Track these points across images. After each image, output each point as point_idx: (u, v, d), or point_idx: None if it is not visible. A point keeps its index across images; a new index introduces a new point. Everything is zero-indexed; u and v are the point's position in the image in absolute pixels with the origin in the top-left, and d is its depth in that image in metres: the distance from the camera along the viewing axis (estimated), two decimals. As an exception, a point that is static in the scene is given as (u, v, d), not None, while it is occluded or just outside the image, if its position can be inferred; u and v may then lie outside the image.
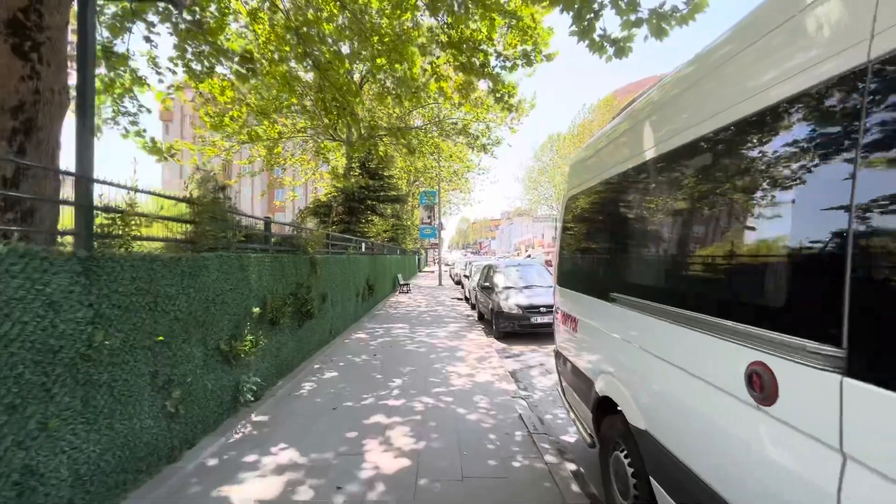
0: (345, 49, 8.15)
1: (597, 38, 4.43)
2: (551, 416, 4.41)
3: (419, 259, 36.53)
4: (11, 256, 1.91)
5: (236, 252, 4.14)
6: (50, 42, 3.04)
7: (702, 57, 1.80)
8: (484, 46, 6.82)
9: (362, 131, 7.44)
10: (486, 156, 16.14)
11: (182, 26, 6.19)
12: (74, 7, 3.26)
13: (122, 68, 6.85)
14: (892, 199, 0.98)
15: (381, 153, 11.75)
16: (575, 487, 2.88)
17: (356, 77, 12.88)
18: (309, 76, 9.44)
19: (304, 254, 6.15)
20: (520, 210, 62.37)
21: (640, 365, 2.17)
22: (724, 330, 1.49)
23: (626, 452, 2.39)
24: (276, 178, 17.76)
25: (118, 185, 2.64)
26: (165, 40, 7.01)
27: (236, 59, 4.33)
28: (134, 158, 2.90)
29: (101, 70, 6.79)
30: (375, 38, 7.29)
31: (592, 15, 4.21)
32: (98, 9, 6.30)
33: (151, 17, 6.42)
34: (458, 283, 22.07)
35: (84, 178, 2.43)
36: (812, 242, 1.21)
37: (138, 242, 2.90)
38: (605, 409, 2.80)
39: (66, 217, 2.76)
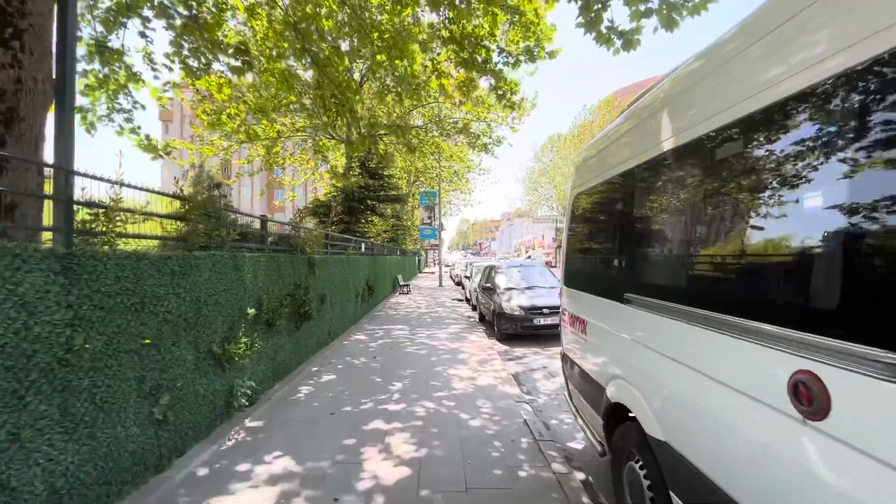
0: (344, 47, 8.02)
1: (604, 30, 4.29)
2: (557, 422, 4.26)
3: (419, 260, 36.39)
4: (-21, 253, 1.76)
5: (231, 251, 3.99)
6: (33, 29, 2.89)
7: (744, 27, 1.63)
8: (486, 43, 6.69)
9: (362, 129, 7.30)
10: (487, 156, 16.02)
11: (178, 22, 6.06)
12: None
13: (117, 64, 6.72)
14: None
15: (380, 151, 11.61)
16: (585, 499, 2.73)
17: (356, 76, 12.75)
18: (308, 74, 9.31)
19: (302, 254, 6.00)
20: (520, 211, 62.27)
21: (658, 371, 2.02)
22: (762, 335, 1.34)
23: (641, 463, 2.24)
24: (275, 178, 17.61)
25: (101, 179, 2.49)
26: (161, 36, 6.87)
27: (230, 50, 4.18)
28: (119, 151, 2.73)
29: (94, 66, 6.66)
30: (375, 35, 7.15)
31: (600, 5, 4.07)
32: (92, 2, 6.17)
33: (147, 12, 6.29)
34: (459, 283, 21.92)
35: (63, 170, 2.28)
36: (874, 233, 1.06)
37: (124, 240, 2.75)
38: (617, 416, 2.65)
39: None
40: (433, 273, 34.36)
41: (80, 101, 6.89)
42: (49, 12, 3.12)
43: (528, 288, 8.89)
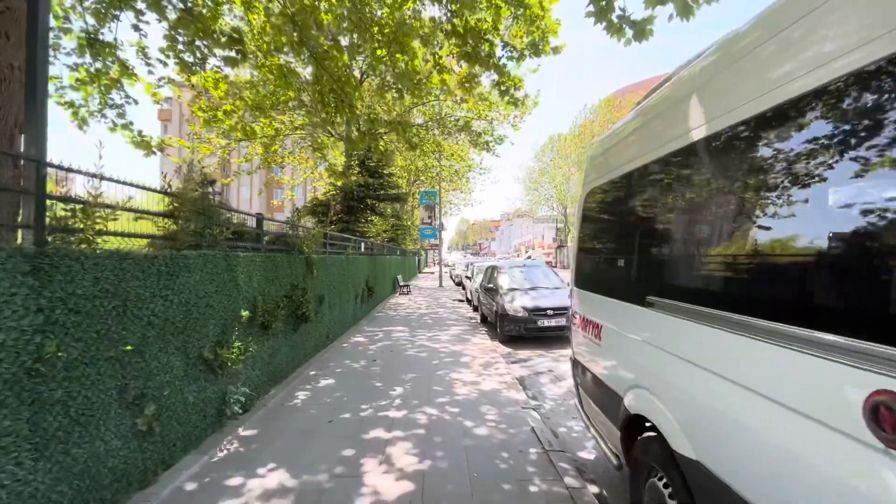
0: (344, 42, 7.83)
1: (615, 20, 4.09)
2: (565, 429, 4.06)
3: (419, 260, 36.20)
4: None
5: (223, 250, 3.79)
6: (9, 12, 2.70)
7: None
8: (489, 37, 6.51)
9: (361, 126, 7.11)
10: (489, 154, 15.82)
11: (173, 16, 5.86)
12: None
13: (110, 59, 6.53)
14: None
15: (381, 149, 11.40)
16: (602, 517, 2.53)
17: (356, 73, 12.55)
18: (307, 72, 9.11)
19: (300, 253, 5.81)
20: (520, 211, 62.11)
21: (688, 383, 1.82)
22: (830, 348, 1.15)
23: (665, 481, 2.05)
24: (273, 178, 17.39)
25: (76, 171, 2.29)
26: (156, 30, 6.69)
27: (223, 39, 3.98)
28: (99, 141, 2.54)
29: (86, 60, 6.47)
30: (375, 29, 6.97)
31: (611, -7, 3.87)
32: (82, -7, 5.97)
33: (140, 4, 6.09)
34: (459, 284, 21.73)
35: (34, 162, 2.09)
36: None
37: (106, 239, 2.55)
38: (636, 428, 2.47)
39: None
40: (433, 273, 34.17)
41: (70, 95, 6.70)
42: (28, -5, 2.92)
43: (532, 289, 8.70)
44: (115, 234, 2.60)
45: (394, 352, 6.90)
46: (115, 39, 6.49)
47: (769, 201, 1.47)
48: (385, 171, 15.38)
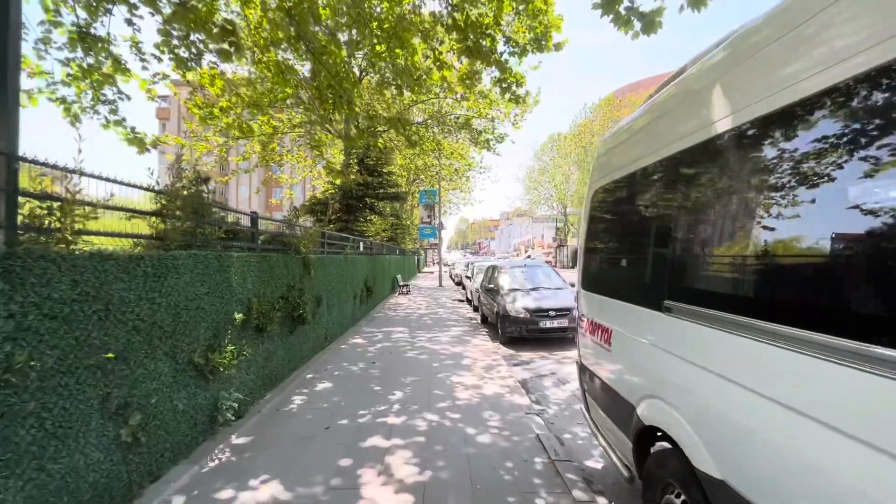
0: (342, 39, 7.68)
1: (622, 12, 3.95)
2: (570, 436, 3.92)
3: (418, 259, 36.04)
4: None
5: (216, 250, 3.64)
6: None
7: None
8: (491, 32, 6.36)
9: (360, 122, 6.96)
10: (489, 153, 15.67)
11: (168, 10, 5.70)
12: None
13: (103, 54, 6.37)
14: None
15: (379, 145, 11.23)
16: (613, 534, 2.39)
17: (355, 71, 12.38)
18: (305, 69, 8.96)
19: (297, 253, 5.66)
20: (519, 210, 61.97)
21: (712, 396, 1.68)
22: (881, 362, 1.01)
23: (684, 499, 1.91)
24: (272, 176, 17.21)
25: (53, 167, 2.14)
26: (150, 24, 6.52)
27: (215, 30, 3.83)
28: (78, 134, 2.39)
29: (77, 55, 6.31)
30: (375, 24, 6.82)
31: (620, -17, 3.72)
32: (73, -15, 5.81)
33: (133, -1, 5.93)
34: (459, 284, 21.59)
35: (3, 155, 1.94)
36: None
37: (87, 238, 2.40)
38: (650, 439, 2.33)
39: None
40: (433, 273, 34.02)
41: (63, 91, 6.55)
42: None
43: (533, 289, 8.56)
44: (97, 233, 2.45)
45: (393, 354, 6.76)
46: (108, 34, 6.34)
47: (814, 199, 1.32)
48: (384, 170, 15.23)
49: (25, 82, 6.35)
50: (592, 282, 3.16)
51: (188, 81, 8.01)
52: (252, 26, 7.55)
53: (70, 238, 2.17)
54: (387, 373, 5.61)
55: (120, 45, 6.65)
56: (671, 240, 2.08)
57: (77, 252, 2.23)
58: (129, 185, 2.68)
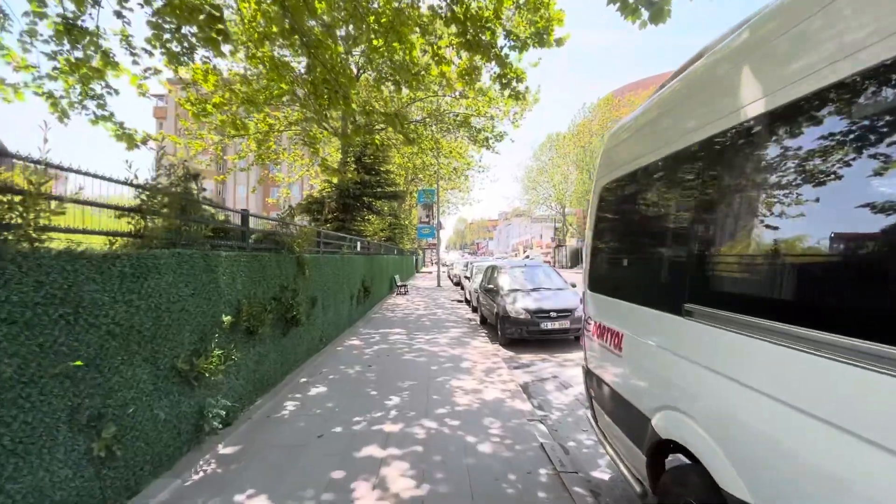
0: (339, 34, 7.51)
1: (630, 0, 3.78)
2: (575, 444, 3.74)
3: (417, 259, 35.84)
4: None
5: (202, 249, 3.45)
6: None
7: None
8: (491, 25, 6.19)
9: (357, 118, 6.78)
10: (488, 152, 15.50)
11: (158, 2, 5.51)
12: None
13: (91, 48, 6.18)
14: None
15: (377, 141, 11.03)
16: (626, 555, 2.22)
17: (352, 68, 12.19)
18: (301, 67, 8.78)
19: (290, 252, 5.47)
20: (518, 210, 61.89)
21: (742, 409, 1.51)
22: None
23: (706, 520, 1.73)
24: (268, 175, 16.98)
25: (14, 156, 1.95)
26: (140, 18, 6.33)
27: (202, 17, 3.64)
28: (44, 122, 2.20)
29: (64, 47, 6.11)
30: (372, 18, 6.64)
31: (628, -30, 3.55)
32: (58, -24, 5.60)
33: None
34: (458, 284, 21.42)
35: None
36: None
37: (56, 235, 2.21)
38: (665, 452, 2.15)
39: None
40: (431, 273, 33.83)
41: (50, 86, 6.35)
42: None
43: (534, 290, 8.38)
44: (66, 230, 2.26)
45: (390, 356, 6.57)
46: (97, 27, 6.15)
47: (862, 187, 1.15)
48: (382, 169, 15.04)
49: (11, 76, 6.13)
50: (601, 283, 2.98)
51: (181, 78, 7.82)
52: (246, 20, 7.37)
53: (34, 235, 1.98)
54: (383, 376, 5.42)
55: (110, 38, 6.46)
56: (693, 237, 1.90)
57: (42, 250, 2.04)
58: (100, 177, 2.49)
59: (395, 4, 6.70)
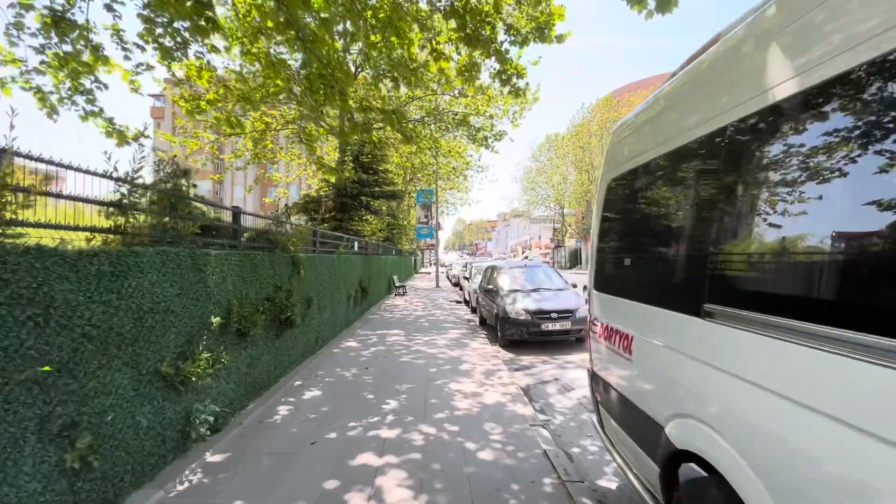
0: (337, 29, 7.36)
1: (636, -11, 3.64)
2: (579, 450, 3.60)
3: (415, 260, 35.68)
4: None
5: (190, 247, 3.30)
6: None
7: None
8: (491, 20, 6.06)
9: (354, 114, 6.64)
10: (488, 151, 15.37)
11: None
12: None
13: (81, 42, 6.02)
14: None
15: (374, 138, 10.86)
16: (638, 574, 2.07)
17: (350, 66, 12.04)
18: (297, 64, 8.61)
19: (285, 252, 5.31)
20: (516, 211, 61.73)
21: (772, 420, 1.36)
22: None
23: (729, 540, 1.59)
24: (265, 174, 16.79)
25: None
26: (132, 11, 6.18)
27: (189, 3, 3.49)
28: (10, 108, 2.04)
29: (53, 41, 5.95)
30: (369, 13, 6.50)
31: (634, -43, 3.42)
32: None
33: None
34: (457, 284, 21.28)
35: None
36: None
37: (25, 230, 2.06)
38: (679, 462, 2.01)
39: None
40: (430, 273, 33.67)
41: (38, 80, 6.20)
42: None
43: (534, 290, 8.24)
44: (36, 225, 2.10)
45: (388, 358, 6.41)
46: (87, 21, 5.99)
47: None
48: (380, 168, 14.88)
49: (-2, 70, 5.98)
50: (608, 282, 2.84)
51: (173, 74, 7.65)
52: (241, 14, 7.21)
53: (-2, 229, 1.83)
54: (381, 379, 5.27)
55: (100, 33, 6.31)
56: (714, 231, 1.75)
57: (9, 246, 1.88)
58: (74, 169, 2.32)
59: (392, -2, 6.56)
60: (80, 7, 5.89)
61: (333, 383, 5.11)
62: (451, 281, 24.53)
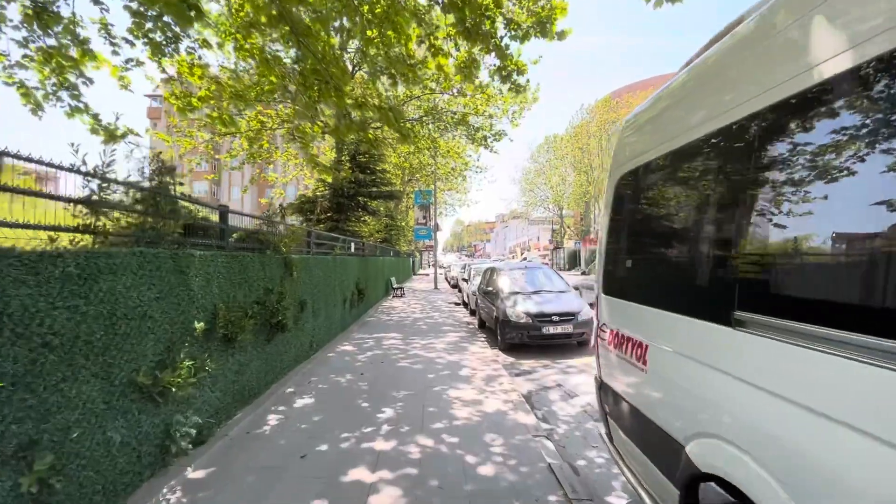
0: (333, 25, 7.17)
1: (645, -23, 3.47)
2: (585, 462, 3.39)
3: (413, 262, 35.46)
4: None
5: (171, 248, 3.09)
6: None
7: None
8: (490, 14, 5.89)
9: (350, 111, 6.45)
10: (487, 152, 15.20)
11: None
12: None
13: (67, 36, 5.82)
14: None
15: (370, 136, 10.68)
16: None
17: (346, 64, 11.83)
18: (292, 59, 8.42)
19: (276, 253, 5.11)
20: (515, 213, 61.60)
21: (815, 442, 1.17)
22: None
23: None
24: (260, 174, 16.55)
25: None
26: (119, 3, 5.96)
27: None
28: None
29: (36, 34, 5.75)
30: (366, 8, 6.31)
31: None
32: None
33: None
34: (455, 286, 21.07)
35: None
36: None
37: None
38: (697, 481, 1.81)
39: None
40: (428, 275, 33.46)
41: (21, 75, 5.99)
42: None
43: (535, 292, 8.04)
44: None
45: (385, 363, 6.20)
46: (74, 14, 5.79)
47: None
48: (378, 167, 14.68)
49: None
50: (618, 285, 2.64)
51: (164, 70, 7.45)
52: (233, 9, 7.01)
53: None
54: (377, 386, 5.06)
55: (87, 27, 6.10)
56: (746, 231, 1.56)
57: (-46, 247, 1.68)
58: (35, 161, 2.12)
59: (390, -8, 6.38)
60: (65, 1, 5.70)
61: (327, 390, 4.90)
62: (449, 282, 24.32)
